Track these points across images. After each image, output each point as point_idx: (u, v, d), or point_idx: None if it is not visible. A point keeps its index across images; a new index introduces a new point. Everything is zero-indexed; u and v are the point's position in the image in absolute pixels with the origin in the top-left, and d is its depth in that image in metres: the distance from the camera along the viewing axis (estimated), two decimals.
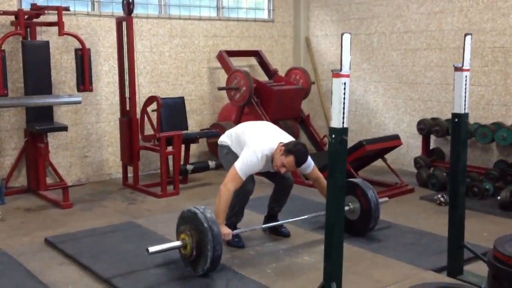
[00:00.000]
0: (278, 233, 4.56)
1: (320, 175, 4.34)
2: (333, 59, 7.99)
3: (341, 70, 2.64)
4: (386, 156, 6.26)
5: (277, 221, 4.58)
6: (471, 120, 6.22)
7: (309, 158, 4.20)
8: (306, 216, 4.53)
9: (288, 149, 3.98)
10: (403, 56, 7.11)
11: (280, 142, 4.08)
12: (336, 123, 2.68)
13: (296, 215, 4.61)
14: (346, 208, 4.49)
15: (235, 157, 4.14)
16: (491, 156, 6.30)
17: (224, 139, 4.44)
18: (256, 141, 4.10)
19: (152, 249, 3.65)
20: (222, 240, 3.73)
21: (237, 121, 6.96)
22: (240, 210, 4.33)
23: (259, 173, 4.35)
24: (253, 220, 4.69)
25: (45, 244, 4.46)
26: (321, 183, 4.29)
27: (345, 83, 2.65)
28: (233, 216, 4.32)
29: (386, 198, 5.07)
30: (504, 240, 2.94)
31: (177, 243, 3.77)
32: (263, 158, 4.03)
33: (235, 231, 4.13)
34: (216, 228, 3.66)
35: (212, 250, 3.60)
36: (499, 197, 5.30)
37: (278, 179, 4.44)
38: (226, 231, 3.92)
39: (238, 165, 3.99)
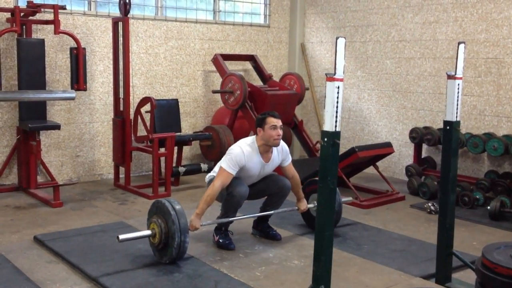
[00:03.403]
0: (269, 236, 4.56)
1: (296, 173, 4.54)
2: (328, 65, 8.01)
3: (335, 73, 2.65)
4: (378, 163, 6.29)
5: (268, 225, 4.61)
6: (463, 130, 6.25)
7: (287, 149, 4.47)
8: (281, 210, 4.63)
9: (259, 123, 4.20)
10: (397, 64, 7.15)
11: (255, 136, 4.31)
12: (328, 126, 2.69)
13: (276, 215, 4.71)
14: (311, 205, 4.70)
15: None
16: (482, 166, 6.34)
17: (210, 174, 4.56)
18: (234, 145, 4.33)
19: (122, 236, 3.83)
20: (188, 232, 3.92)
21: (231, 125, 6.98)
22: (233, 214, 4.33)
23: (256, 195, 4.48)
24: (242, 223, 4.69)
25: (34, 242, 4.44)
26: (296, 180, 4.53)
27: (338, 87, 2.67)
28: (224, 217, 4.32)
29: (350, 198, 5.39)
30: (492, 248, 2.96)
31: (147, 232, 4.01)
32: (247, 149, 4.20)
33: (204, 223, 4.14)
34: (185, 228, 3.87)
35: (178, 247, 3.86)
36: (489, 207, 5.33)
37: (274, 182, 4.48)
38: (195, 222, 4.04)
39: (223, 163, 4.19)
